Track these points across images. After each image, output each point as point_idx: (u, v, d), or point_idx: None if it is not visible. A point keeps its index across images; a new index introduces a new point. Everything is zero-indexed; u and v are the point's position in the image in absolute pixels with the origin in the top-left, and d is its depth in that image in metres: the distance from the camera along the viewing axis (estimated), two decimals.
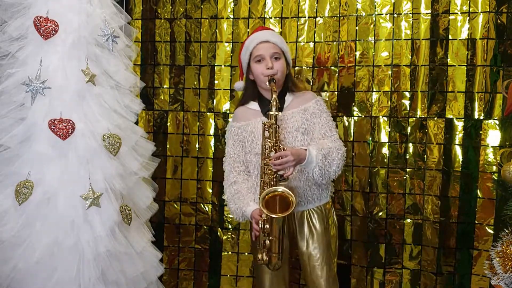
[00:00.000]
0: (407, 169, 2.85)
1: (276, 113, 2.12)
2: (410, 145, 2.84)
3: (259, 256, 2.15)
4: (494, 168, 2.69)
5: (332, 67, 2.92)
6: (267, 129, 2.14)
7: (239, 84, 2.42)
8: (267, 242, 2.13)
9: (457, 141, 2.77)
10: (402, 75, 2.83)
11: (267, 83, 2.19)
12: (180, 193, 3.17)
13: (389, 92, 2.85)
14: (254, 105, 2.33)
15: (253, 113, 2.31)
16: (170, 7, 3.12)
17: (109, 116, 2.26)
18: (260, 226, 2.12)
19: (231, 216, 3.06)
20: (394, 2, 2.81)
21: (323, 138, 2.24)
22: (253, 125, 2.29)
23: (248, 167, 2.31)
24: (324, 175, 2.17)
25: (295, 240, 2.32)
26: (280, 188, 2.10)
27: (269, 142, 2.12)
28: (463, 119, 2.75)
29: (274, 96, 2.12)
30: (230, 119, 3.06)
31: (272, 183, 2.13)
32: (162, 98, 3.17)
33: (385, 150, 2.88)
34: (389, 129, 2.87)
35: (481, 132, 2.73)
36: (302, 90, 2.36)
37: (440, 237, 2.79)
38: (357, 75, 2.89)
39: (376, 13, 2.83)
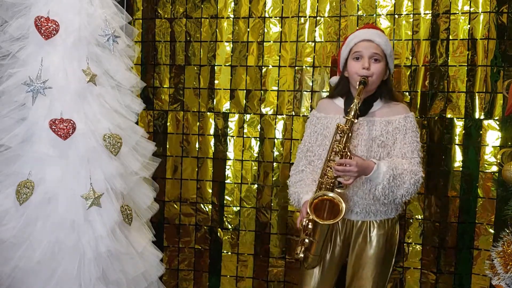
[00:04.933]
0: None
1: (353, 119, 2.00)
2: None
3: (297, 250, 2.09)
4: (495, 168, 2.70)
5: (333, 67, 2.92)
6: (339, 132, 2.03)
7: (335, 79, 2.32)
8: (307, 241, 2.08)
9: (457, 141, 2.77)
10: (403, 76, 2.83)
11: (357, 84, 2.07)
12: (180, 193, 3.16)
13: None
14: (339, 101, 2.24)
15: (335, 108, 2.23)
16: (170, 7, 3.11)
17: (110, 116, 2.26)
18: (304, 223, 2.06)
19: (230, 216, 3.09)
20: (394, 3, 2.81)
21: (402, 158, 2.10)
22: (330, 120, 2.21)
23: (316, 160, 2.24)
24: (388, 195, 2.06)
25: (348, 249, 2.24)
26: (332, 194, 2.03)
27: (338, 146, 2.02)
28: (463, 119, 2.75)
29: (356, 101, 2.00)
30: (230, 119, 3.07)
31: (329, 186, 2.05)
32: (162, 98, 3.16)
33: None
34: None
35: (481, 132, 2.73)
36: (397, 101, 2.22)
37: (441, 237, 2.79)
38: None
39: (377, 13, 2.84)
